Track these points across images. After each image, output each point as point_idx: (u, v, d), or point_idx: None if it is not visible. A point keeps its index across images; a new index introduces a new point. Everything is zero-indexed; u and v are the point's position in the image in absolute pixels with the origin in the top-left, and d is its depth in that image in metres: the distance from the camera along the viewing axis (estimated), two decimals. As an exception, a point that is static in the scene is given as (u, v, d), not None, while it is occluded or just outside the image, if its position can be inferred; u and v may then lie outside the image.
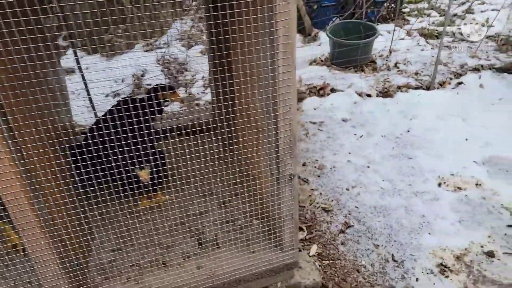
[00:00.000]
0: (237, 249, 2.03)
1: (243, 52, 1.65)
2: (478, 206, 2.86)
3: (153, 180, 2.20)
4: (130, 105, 1.81)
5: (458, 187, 3.03)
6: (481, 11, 5.89)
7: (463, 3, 6.14)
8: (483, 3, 6.08)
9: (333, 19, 5.13)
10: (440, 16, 5.87)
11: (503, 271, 2.46)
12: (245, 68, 1.81)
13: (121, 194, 1.78)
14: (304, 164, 3.30)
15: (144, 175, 2.11)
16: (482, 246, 2.61)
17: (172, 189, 1.89)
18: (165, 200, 2.44)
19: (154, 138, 2.33)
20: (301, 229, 2.79)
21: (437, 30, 5.34)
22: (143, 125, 1.71)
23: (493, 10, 5.77)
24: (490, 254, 2.56)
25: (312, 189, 3.08)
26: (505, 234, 2.67)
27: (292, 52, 1.51)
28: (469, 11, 5.94)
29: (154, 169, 2.21)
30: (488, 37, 5.02)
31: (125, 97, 2.87)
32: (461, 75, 4.20)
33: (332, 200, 2.98)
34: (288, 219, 1.93)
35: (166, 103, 2.75)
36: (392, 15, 5.45)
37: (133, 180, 1.88)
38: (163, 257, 2.07)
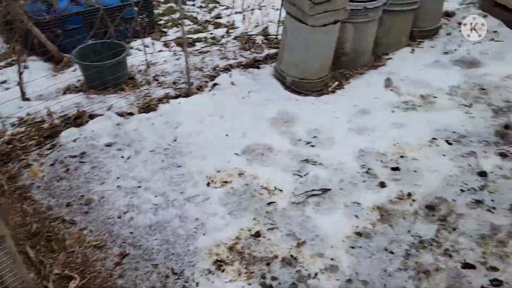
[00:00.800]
0: None
1: None
2: (243, 194, 3.11)
3: None
4: None
5: (225, 181, 3.23)
6: (227, 15, 6.53)
7: (211, 10, 6.70)
8: (227, 8, 6.75)
9: (84, 41, 4.85)
10: (194, 24, 6.26)
11: (268, 246, 2.73)
12: None
13: None
14: (68, 205, 2.99)
15: None
16: (249, 230, 2.84)
17: None
18: None
19: None
20: (72, 277, 2.52)
21: (192, 38, 5.66)
22: None
23: (236, 13, 6.47)
24: (257, 235, 2.81)
25: (81, 229, 2.82)
26: (267, 212, 2.98)
27: None
28: (217, 16, 6.51)
29: None
30: (234, 38, 5.60)
31: None
32: (215, 77, 4.52)
33: (104, 234, 2.79)
34: (17, 285, 1.67)
35: None
36: (147, 28, 5.51)
37: None
38: None
